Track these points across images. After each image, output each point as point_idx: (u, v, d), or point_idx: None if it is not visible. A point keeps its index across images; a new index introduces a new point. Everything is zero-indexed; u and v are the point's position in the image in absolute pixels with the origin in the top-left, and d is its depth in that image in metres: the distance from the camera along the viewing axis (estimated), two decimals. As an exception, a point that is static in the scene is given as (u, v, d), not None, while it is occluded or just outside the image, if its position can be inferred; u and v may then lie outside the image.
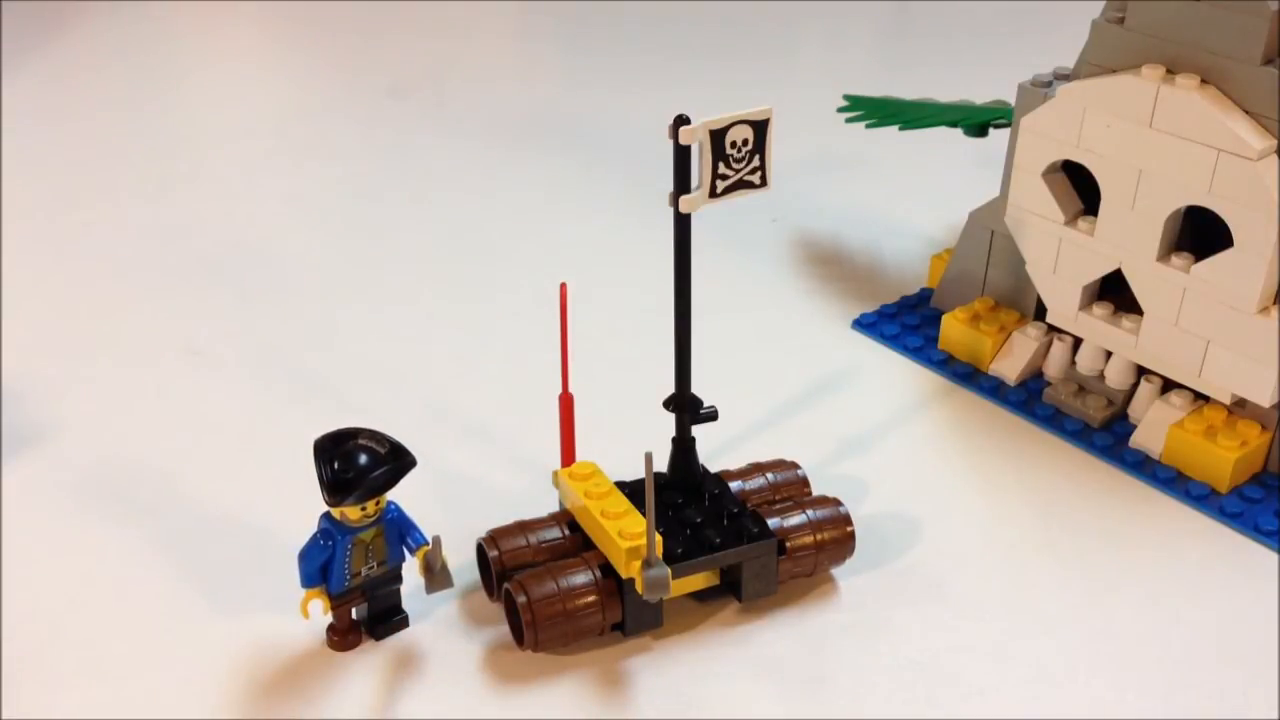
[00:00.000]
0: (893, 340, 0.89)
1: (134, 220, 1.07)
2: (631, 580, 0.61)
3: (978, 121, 0.92)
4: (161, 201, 1.10)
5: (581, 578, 0.62)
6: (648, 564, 0.59)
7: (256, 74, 1.45)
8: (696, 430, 0.66)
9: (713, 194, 0.59)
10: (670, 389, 0.65)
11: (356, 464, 0.58)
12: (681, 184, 0.59)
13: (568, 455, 0.68)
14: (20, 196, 1.10)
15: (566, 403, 0.67)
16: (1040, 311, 0.84)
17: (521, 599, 0.61)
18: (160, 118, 1.28)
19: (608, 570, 0.63)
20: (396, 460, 0.59)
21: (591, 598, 0.62)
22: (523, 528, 0.66)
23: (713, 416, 0.66)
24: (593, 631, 0.63)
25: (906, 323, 0.90)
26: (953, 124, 0.93)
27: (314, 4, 1.60)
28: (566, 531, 0.66)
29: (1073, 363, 0.83)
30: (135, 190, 1.12)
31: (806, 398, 0.84)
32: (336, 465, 0.58)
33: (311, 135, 1.25)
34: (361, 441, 0.59)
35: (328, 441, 0.59)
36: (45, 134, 1.23)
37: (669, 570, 0.60)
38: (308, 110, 1.31)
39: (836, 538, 0.67)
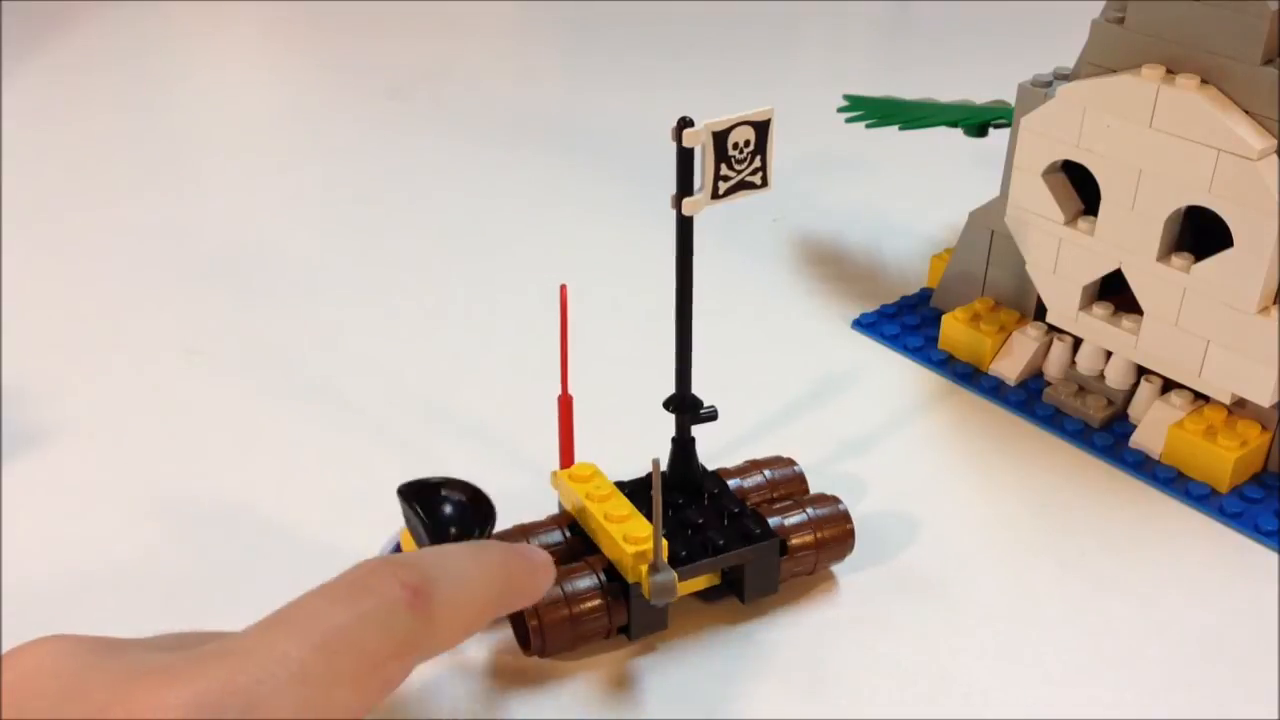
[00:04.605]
0: (893, 340, 0.89)
1: (134, 220, 1.07)
2: (635, 584, 0.61)
3: (978, 121, 0.92)
4: (161, 202, 1.10)
5: (586, 582, 0.62)
6: (654, 569, 0.59)
7: (257, 75, 1.45)
8: (696, 430, 0.66)
9: (715, 195, 0.59)
10: (670, 389, 0.65)
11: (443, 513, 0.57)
12: (684, 186, 0.59)
13: (567, 456, 0.67)
14: (21, 197, 1.10)
15: (566, 404, 0.66)
16: (1040, 311, 0.84)
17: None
18: (161, 118, 1.28)
19: (612, 574, 0.63)
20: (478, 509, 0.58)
21: (597, 602, 0.62)
22: (523, 532, 0.66)
23: (713, 417, 0.66)
24: (599, 636, 0.63)
25: (906, 323, 0.90)
26: (953, 124, 0.93)
27: (314, 4, 1.60)
28: (567, 534, 0.66)
29: (1073, 363, 0.83)
30: (136, 190, 1.12)
31: (806, 398, 0.84)
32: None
33: (311, 136, 1.25)
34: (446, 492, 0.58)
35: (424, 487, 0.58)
36: (46, 134, 1.23)
37: (675, 575, 0.59)
38: (308, 111, 1.31)
39: (836, 535, 0.67)
